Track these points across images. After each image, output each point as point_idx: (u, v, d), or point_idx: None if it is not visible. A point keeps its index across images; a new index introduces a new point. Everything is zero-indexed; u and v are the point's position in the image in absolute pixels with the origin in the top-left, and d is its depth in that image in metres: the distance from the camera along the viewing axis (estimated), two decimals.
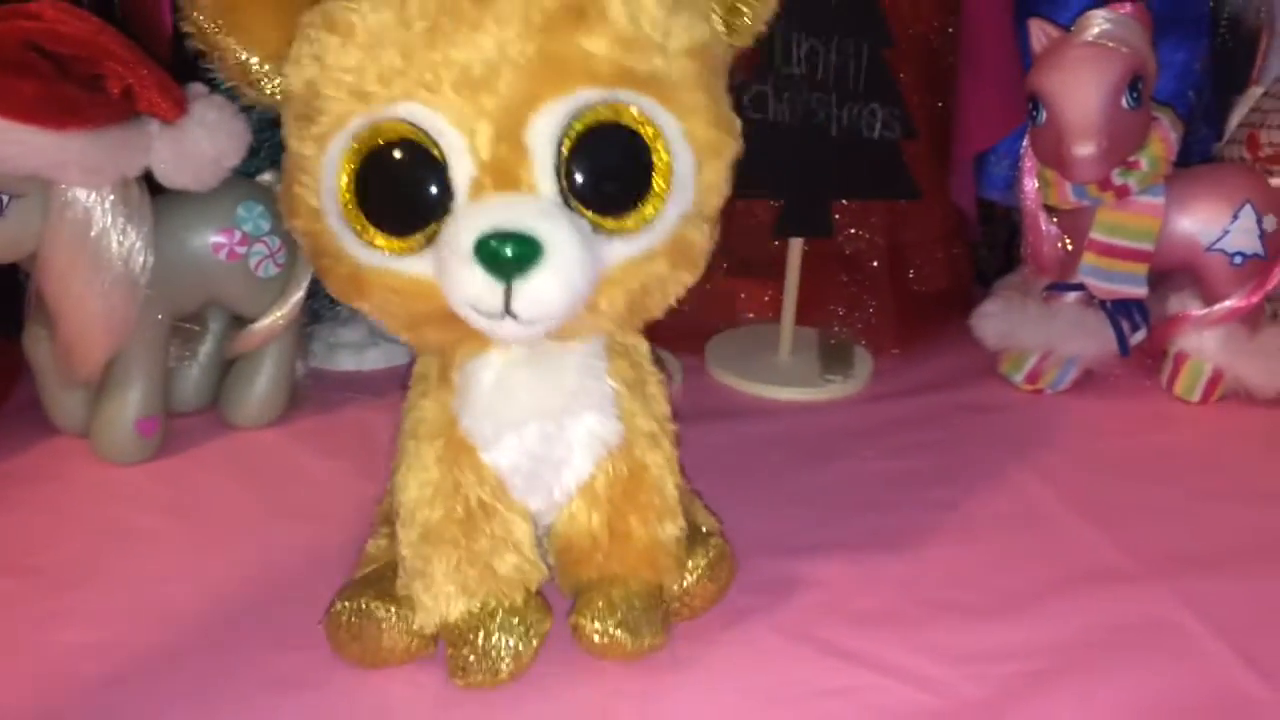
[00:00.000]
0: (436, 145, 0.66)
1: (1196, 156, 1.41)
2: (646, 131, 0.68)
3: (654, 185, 0.69)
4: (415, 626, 0.78)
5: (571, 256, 0.65)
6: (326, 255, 0.72)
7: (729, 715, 0.78)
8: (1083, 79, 1.14)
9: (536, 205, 0.66)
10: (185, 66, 1.01)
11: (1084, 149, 1.15)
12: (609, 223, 0.68)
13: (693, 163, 0.70)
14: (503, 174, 0.66)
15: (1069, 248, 1.27)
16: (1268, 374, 1.24)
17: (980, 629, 0.87)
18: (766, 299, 1.37)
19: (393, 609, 0.79)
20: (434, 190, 0.67)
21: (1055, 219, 1.28)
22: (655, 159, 0.68)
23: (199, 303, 1.09)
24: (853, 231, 1.31)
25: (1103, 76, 1.14)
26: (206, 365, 1.15)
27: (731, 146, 0.72)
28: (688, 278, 0.74)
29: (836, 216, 1.29)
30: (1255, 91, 1.36)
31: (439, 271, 0.67)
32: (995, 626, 0.88)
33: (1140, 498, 1.08)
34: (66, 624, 0.85)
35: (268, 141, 1.15)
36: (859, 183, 1.23)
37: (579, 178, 0.67)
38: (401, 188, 0.68)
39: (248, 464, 1.09)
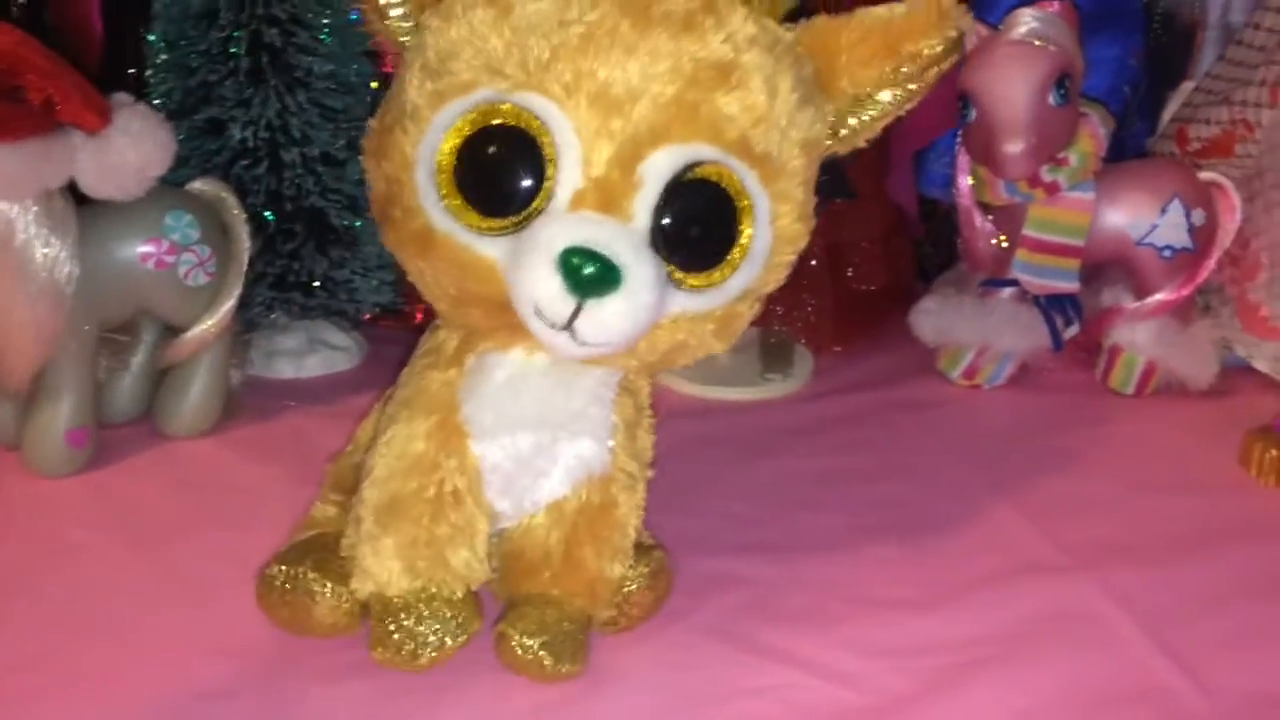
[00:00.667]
0: (552, 146, 0.67)
1: (1132, 151, 1.42)
2: (743, 203, 0.70)
3: (731, 254, 0.70)
4: (350, 589, 0.79)
5: (646, 296, 0.67)
6: (399, 207, 0.72)
7: (652, 719, 0.78)
8: (1010, 77, 1.15)
9: (629, 235, 0.67)
10: (118, 71, 1.02)
11: (1012, 146, 1.16)
12: (681, 275, 0.70)
13: (770, 246, 0.72)
14: (608, 195, 0.67)
15: (1004, 244, 1.28)
16: (1200, 365, 1.25)
17: (905, 624, 0.88)
18: None
19: (328, 585, 0.79)
20: (534, 185, 0.68)
21: (990, 216, 1.29)
22: (740, 231, 0.70)
23: (128, 312, 1.09)
24: None
25: (1029, 74, 1.15)
26: (139, 375, 1.14)
27: (804, 241, 0.75)
28: (720, 347, 0.76)
29: None
30: (1187, 86, 1.38)
31: (512, 263, 0.68)
32: (920, 621, 0.88)
33: (1074, 491, 1.10)
34: None
35: (198, 150, 1.15)
36: None
37: (671, 223, 0.68)
38: (504, 172, 0.69)
39: (182, 473, 1.08)
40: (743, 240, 0.70)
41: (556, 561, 0.81)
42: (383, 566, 0.78)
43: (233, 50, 1.13)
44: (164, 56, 1.17)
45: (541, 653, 0.78)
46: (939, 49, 0.72)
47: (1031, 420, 1.25)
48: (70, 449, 1.05)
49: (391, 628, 0.77)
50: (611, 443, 0.79)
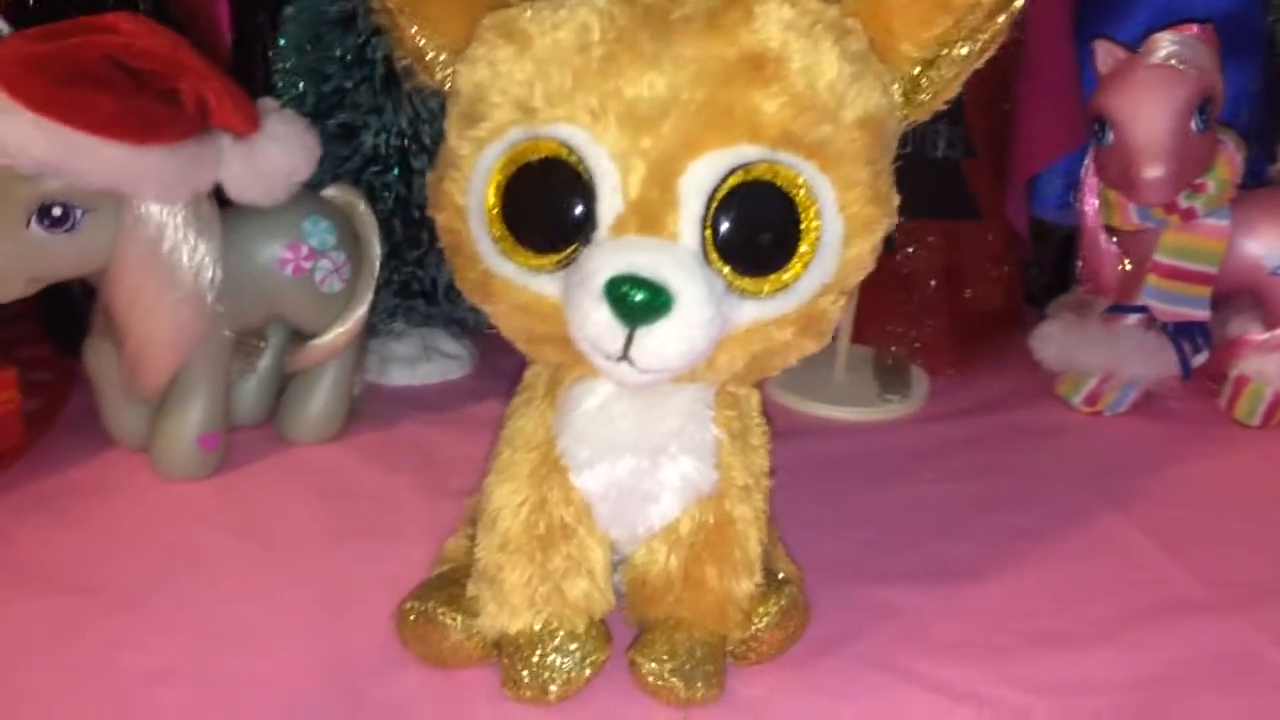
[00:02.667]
0: (589, 173, 0.65)
1: (1248, 178, 1.40)
2: (801, 197, 0.66)
3: (798, 252, 0.67)
4: (476, 630, 0.79)
5: (699, 314, 0.64)
6: (461, 255, 0.72)
7: None
8: (1152, 101, 1.13)
9: (675, 255, 0.64)
10: (244, 80, 1.01)
11: (1153, 171, 1.14)
12: (745, 283, 0.67)
13: (842, 235, 0.68)
14: (648, 216, 0.65)
15: (1128, 269, 1.26)
16: None
17: (1071, 661, 0.86)
18: None
19: (458, 618, 0.79)
20: (577, 216, 0.66)
21: (1115, 239, 1.27)
22: (805, 226, 0.66)
23: (263, 317, 1.08)
24: (910, 250, 1.30)
25: (1172, 99, 1.13)
26: (265, 379, 1.14)
27: (885, 223, 0.70)
28: (813, 346, 0.73)
29: (895, 235, 1.28)
30: None
31: (565, 299, 0.67)
32: (1085, 658, 0.87)
33: (1208, 524, 1.07)
34: (130, 647, 0.83)
35: (329, 156, 1.14)
36: (922, 202, 1.20)
37: (724, 233, 0.65)
38: (545, 206, 0.67)
39: (310, 481, 1.08)
40: (809, 235, 0.66)
41: (678, 585, 0.80)
42: (504, 606, 0.78)
43: (369, 56, 1.12)
44: (293, 61, 1.17)
45: (673, 678, 0.77)
46: None
47: (1156, 450, 1.22)
48: (202, 453, 1.04)
49: (519, 665, 0.77)
50: (716, 458, 0.77)
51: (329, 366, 1.12)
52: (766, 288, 0.67)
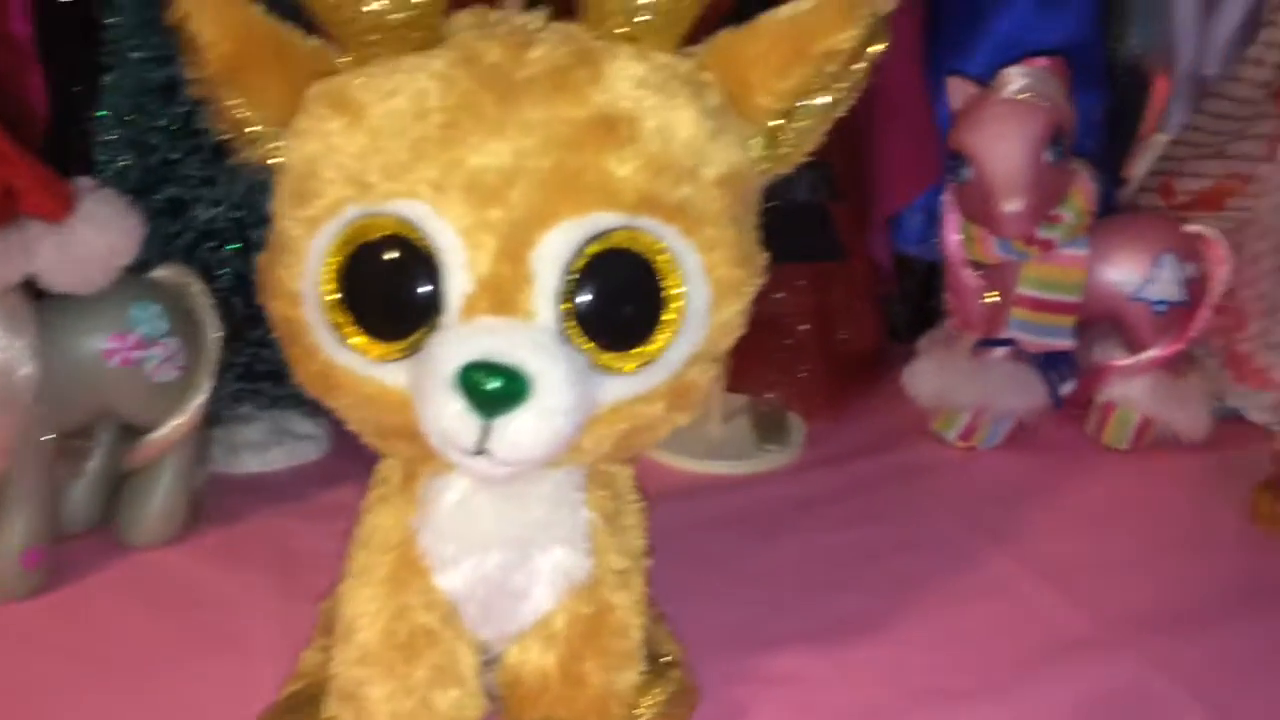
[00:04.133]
0: (434, 252, 0.59)
1: (1099, 205, 1.42)
2: (663, 263, 0.61)
3: (663, 321, 0.62)
4: None
5: (561, 399, 0.59)
6: (298, 345, 0.65)
7: None
8: (1007, 135, 1.14)
9: (531, 336, 0.59)
10: (64, 151, 0.94)
11: (1011, 205, 1.14)
12: (610, 358, 0.62)
13: (709, 300, 0.63)
14: (500, 295, 0.60)
15: (994, 302, 1.26)
16: (1194, 419, 1.25)
17: (961, 714, 0.84)
18: None
19: None
20: (423, 298, 0.60)
21: (979, 273, 1.27)
22: (669, 293, 0.62)
23: (89, 414, 0.99)
24: (780, 295, 1.28)
25: (1026, 132, 1.14)
26: (96, 481, 1.05)
27: (753, 285, 0.66)
28: (684, 419, 0.68)
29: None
30: (1160, 139, 1.39)
31: (414, 390, 0.61)
32: (975, 711, 0.85)
33: (1088, 554, 1.07)
34: None
35: (158, 232, 1.06)
36: (787, 247, 1.18)
37: (584, 307, 0.60)
38: (388, 290, 0.62)
39: (152, 590, 0.98)
40: (675, 303, 0.62)
41: (556, 684, 0.74)
42: None
43: (197, 125, 1.04)
44: (116, 133, 1.09)
45: None
46: (857, 40, 0.63)
47: (1032, 481, 1.23)
48: (26, 570, 0.95)
49: None
50: (590, 544, 0.72)
51: (167, 461, 1.03)
52: (633, 362, 0.63)
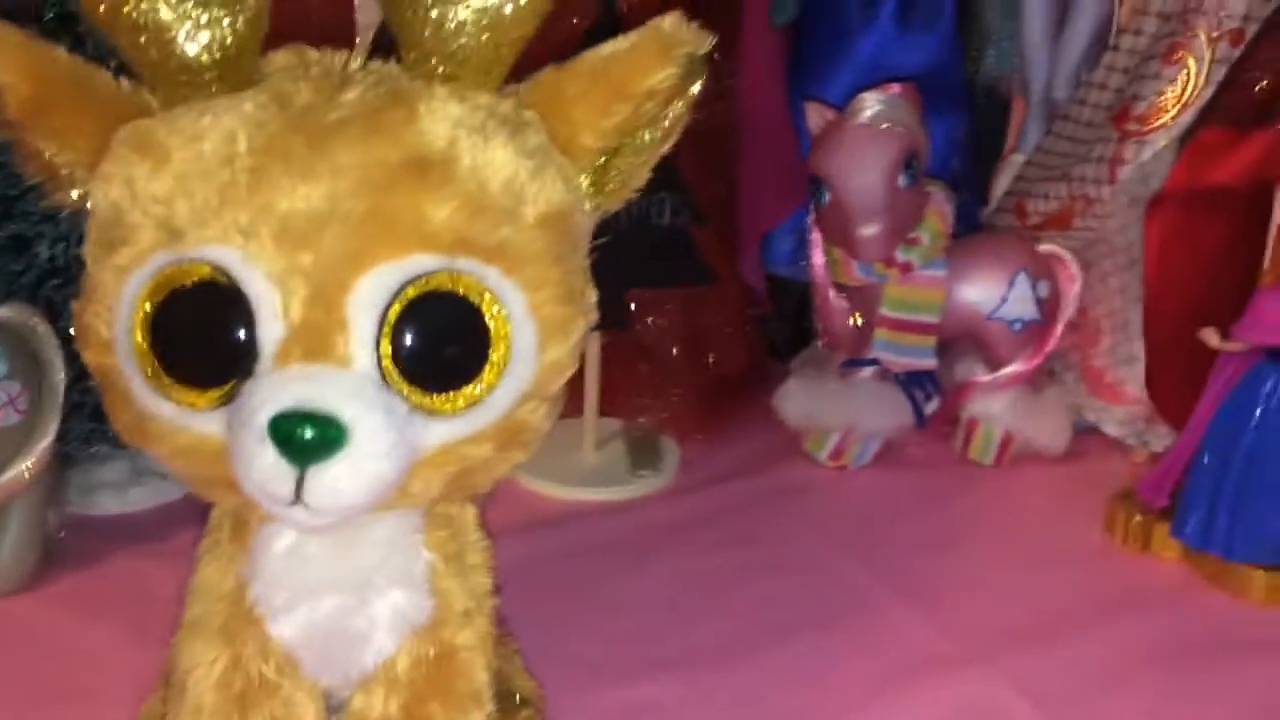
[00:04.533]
0: (245, 298, 0.58)
1: (961, 223, 1.46)
2: (486, 305, 0.61)
3: (489, 362, 0.61)
4: None
5: (378, 445, 0.58)
6: (114, 394, 0.63)
7: None
8: (862, 161, 1.16)
9: (347, 382, 0.58)
10: None
11: (868, 230, 1.17)
12: (433, 401, 0.61)
13: (536, 340, 0.63)
14: (314, 341, 0.58)
15: (859, 323, 1.29)
16: (1054, 432, 1.29)
17: None
18: (567, 394, 1.33)
19: None
20: (236, 345, 0.59)
21: (844, 294, 1.30)
22: (493, 334, 0.61)
23: None
24: (650, 320, 1.28)
25: (880, 158, 1.16)
26: None
27: (582, 324, 0.66)
28: (519, 457, 0.67)
29: (632, 306, 1.26)
30: (1017, 159, 1.42)
31: (229, 440, 0.59)
32: None
33: (952, 572, 1.10)
34: None
35: (1, 269, 1.03)
36: (653, 272, 1.21)
37: (402, 351, 0.59)
38: (200, 337, 0.60)
39: None
40: (499, 344, 0.61)
41: None
42: None
43: None
44: None
45: None
46: (676, 78, 0.63)
47: (900, 498, 1.25)
48: None
49: None
50: (430, 585, 0.71)
51: (14, 506, 0.99)
52: (459, 403, 0.62)
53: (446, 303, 0.60)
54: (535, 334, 0.63)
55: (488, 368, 0.62)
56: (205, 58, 0.60)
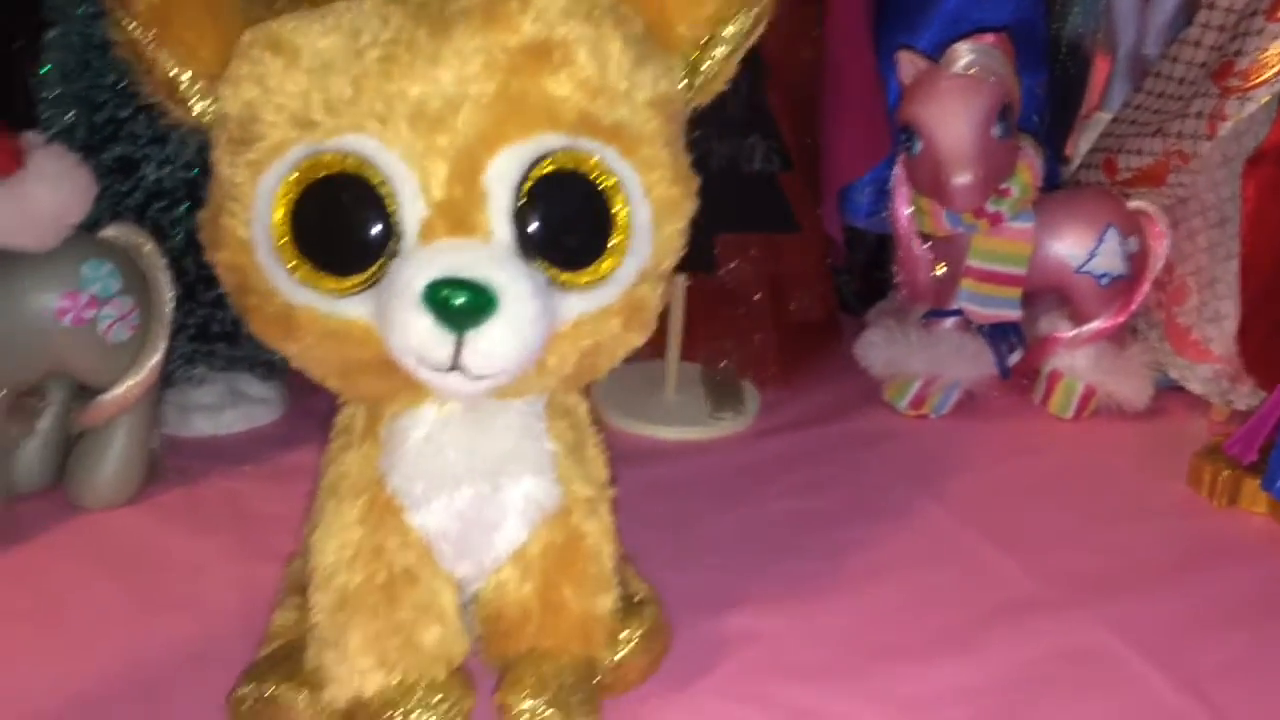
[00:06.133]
0: (385, 182, 0.61)
1: (1044, 180, 1.45)
2: (608, 183, 0.64)
3: (612, 240, 0.65)
4: (325, 703, 0.72)
5: (528, 309, 0.61)
6: (254, 293, 0.65)
7: None
8: (956, 110, 1.16)
9: (492, 253, 0.61)
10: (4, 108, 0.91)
11: (962, 178, 1.16)
12: (565, 276, 0.64)
13: (651, 218, 0.66)
14: (457, 217, 0.61)
15: (943, 274, 1.29)
16: (1136, 388, 1.28)
17: (922, 673, 0.86)
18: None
19: (304, 692, 0.73)
20: (379, 229, 0.61)
21: (928, 245, 1.30)
22: (615, 212, 0.64)
23: (41, 373, 0.97)
24: (734, 265, 1.29)
25: (974, 107, 1.16)
26: (48, 440, 1.03)
27: (689, 205, 0.69)
28: (637, 339, 0.70)
29: (717, 250, 1.27)
30: (1103, 117, 1.42)
31: (380, 316, 0.62)
32: (935, 669, 0.87)
33: (1037, 520, 1.10)
34: None
35: (107, 191, 1.04)
36: (740, 216, 1.20)
37: (536, 227, 0.63)
38: (343, 225, 0.63)
39: (108, 551, 0.97)
40: (620, 221, 0.65)
41: (537, 613, 0.76)
42: (352, 669, 0.72)
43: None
44: (60, 89, 1.06)
45: (548, 711, 0.73)
46: None
47: (981, 448, 1.25)
48: None
49: None
50: (555, 472, 0.74)
51: (121, 422, 1.02)
52: (588, 278, 0.65)
53: (572, 181, 0.63)
54: (650, 212, 0.66)
55: (612, 244, 0.65)
56: None
